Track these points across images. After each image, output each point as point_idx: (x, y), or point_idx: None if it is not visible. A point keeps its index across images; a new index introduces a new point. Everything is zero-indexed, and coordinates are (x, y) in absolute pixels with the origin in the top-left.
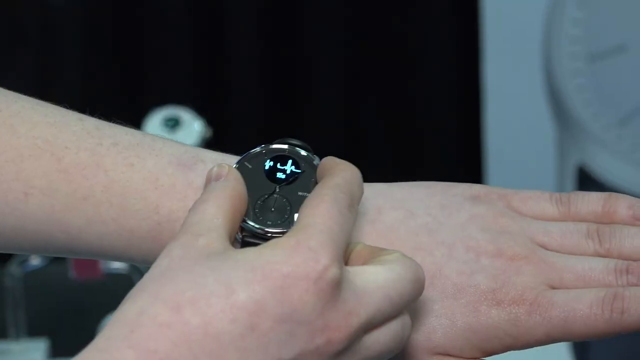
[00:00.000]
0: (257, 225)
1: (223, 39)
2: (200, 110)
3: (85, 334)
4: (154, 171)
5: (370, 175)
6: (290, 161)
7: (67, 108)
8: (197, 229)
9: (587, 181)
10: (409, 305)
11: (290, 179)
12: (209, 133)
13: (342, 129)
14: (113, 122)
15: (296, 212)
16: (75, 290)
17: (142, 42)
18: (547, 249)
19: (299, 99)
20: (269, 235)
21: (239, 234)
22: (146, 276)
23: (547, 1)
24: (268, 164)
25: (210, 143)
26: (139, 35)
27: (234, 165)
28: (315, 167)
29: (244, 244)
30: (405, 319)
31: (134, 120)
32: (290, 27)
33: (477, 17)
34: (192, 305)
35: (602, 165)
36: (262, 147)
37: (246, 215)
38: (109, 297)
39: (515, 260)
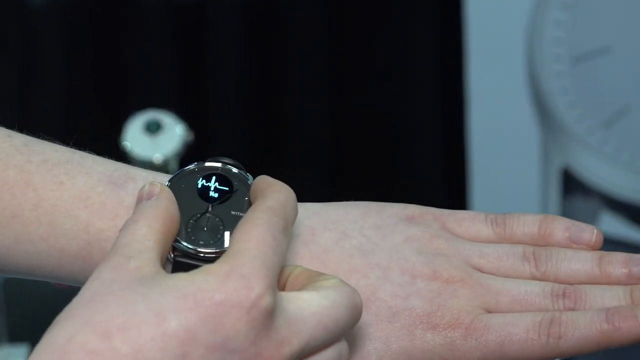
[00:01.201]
0: (189, 245)
1: (205, 42)
2: (182, 114)
3: None
4: (84, 189)
5: (349, 169)
6: (223, 180)
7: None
8: (127, 250)
9: (571, 183)
10: (346, 332)
11: (223, 198)
12: (190, 137)
13: (326, 129)
14: (42, 139)
15: (229, 232)
16: (57, 296)
17: (123, 46)
18: (482, 271)
19: (282, 102)
20: (202, 255)
21: (171, 253)
22: (75, 299)
23: (530, 3)
24: (201, 182)
25: (192, 147)
26: (120, 39)
27: (166, 184)
28: (248, 186)
29: (176, 263)
30: (342, 347)
31: (115, 124)
32: (274, 30)
33: (460, 19)
34: (122, 332)
35: (587, 167)
36: (194, 165)
37: (178, 234)
38: None
39: (450, 283)
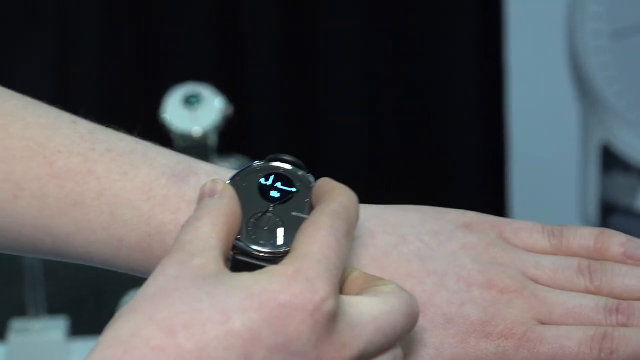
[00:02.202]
0: (248, 244)
1: (243, 15)
2: (221, 87)
3: (105, 312)
4: (147, 181)
5: (382, 157)
6: (285, 180)
7: (61, 108)
8: (191, 247)
9: (611, 159)
10: (402, 338)
11: (284, 199)
12: (229, 110)
13: (363, 104)
14: (106, 126)
15: (288, 232)
16: (95, 269)
17: (162, 19)
18: (537, 282)
19: (318, 73)
20: (261, 254)
21: (230, 251)
22: (139, 294)
23: None
24: (262, 181)
25: (231, 120)
26: (158, 12)
27: (228, 181)
28: (309, 187)
29: (235, 261)
30: (396, 352)
31: (154, 97)
32: (311, 1)
33: None
34: (187, 329)
35: (627, 143)
36: (257, 164)
37: (239, 233)
38: (129, 275)
39: (505, 293)
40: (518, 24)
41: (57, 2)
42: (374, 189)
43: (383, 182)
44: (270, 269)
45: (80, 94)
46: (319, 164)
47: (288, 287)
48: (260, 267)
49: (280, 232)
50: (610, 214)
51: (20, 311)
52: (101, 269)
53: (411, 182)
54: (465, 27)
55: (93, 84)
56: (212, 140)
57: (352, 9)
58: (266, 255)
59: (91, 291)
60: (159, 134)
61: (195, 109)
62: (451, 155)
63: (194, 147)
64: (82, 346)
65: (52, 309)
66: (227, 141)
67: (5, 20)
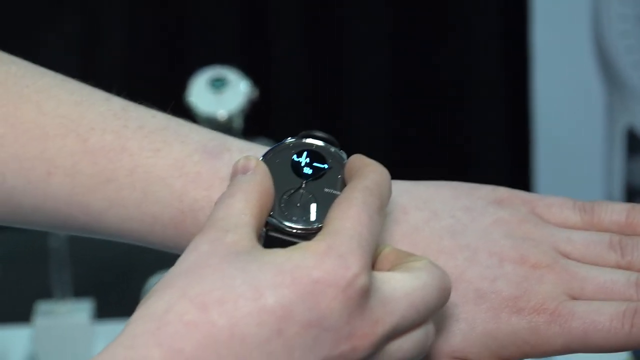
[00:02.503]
0: (282, 221)
1: None
2: (247, 70)
3: (130, 295)
4: (180, 158)
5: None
6: (317, 156)
7: (94, 86)
8: (224, 224)
9: (636, 143)
10: (434, 313)
11: (317, 175)
12: (255, 94)
13: (386, 86)
14: (139, 104)
15: (321, 208)
16: (121, 250)
17: (188, 2)
18: (569, 258)
19: (345, 57)
20: (294, 231)
21: (263, 228)
22: (172, 270)
23: None
24: (295, 158)
25: (257, 103)
26: None
27: (261, 158)
28: (342, 164)
29: (268, 238)
30: (429, 328)
31: (180, 80)
32: None
33: None
34: (220, 306)
35: None
36: (289, 141)
37: (272, 209)
38: (155, 258)
39: (537, 268)
40: (544, 8)
41: None
42: (398, 170)
43: (407, 166)
44: (303, 245)
45: (106, 78)
46: (344, 147)
47: (321, 264)
48: (293, 243)
49: (313, 208)
50: (635, 198)
51: (46, 294)
52: (127, 252)
53: (435, 165)
54: (491, 13)
55: (118, 68)
56: (238, 123)
57: None
58: (299, 231)
59: (117, 274)
60: (185, 118)
61: (221, 92)
62: (476, 141)
63: (220, 131)
64: (107, 329)
65: (78, 292)
66: (253, 125)
67: (32, 3)
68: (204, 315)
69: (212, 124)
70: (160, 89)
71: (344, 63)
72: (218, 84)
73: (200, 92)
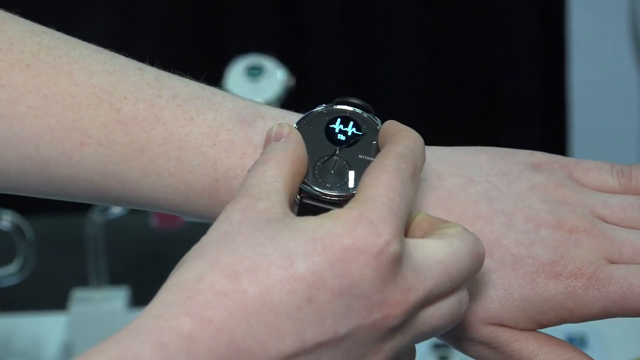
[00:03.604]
0: (316, 188)
1: None
2: (283, 58)
3: None
4: (214, 126)
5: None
6: (351, 123)
7: (127, 56)
8: (256, 191)
9: None
10: (468, 280)
11: (351, 141)
12: (291, 82)
13: (423, 77)
14: (173, 73)
15: (355, 174)
16: (156, 239)
17: None
18: (606, 221)
19: (381, 46)
20: (328, 198)
21: (297, 195)
22: (203, 239)
23: None
24: (329, 124)
25: (293, 92)
26: None
27: (294, 125)
28: (376, 130)
29: (302, 205)
30: (462, 294)
31: (217, 69)
32: None
33: None
34: (250, 274)
35: None
36: (323, 107)
37: (305, 176)
38: (190, 246)
39: (574, 233)
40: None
41: None
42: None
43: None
44: (335, 212)
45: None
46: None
47: (352, 231)
48: (327, 210)
49: (347, 175)
50: None
51: (82, 281)
52: (162, 238)
53: None
54: (528, 4)
55: (155, 56)
56: None
57: None
58: (333, 198)
59: (152, 261)
60: None
61: (258, 80)
62: (512, 133)
63: None
64: None
65: (114, 279)
66: None
67: None
68: (234, 284)
69: None
70: (198, 77)
71: (379, 51)
72: (255, 72)
73: (237, 81)
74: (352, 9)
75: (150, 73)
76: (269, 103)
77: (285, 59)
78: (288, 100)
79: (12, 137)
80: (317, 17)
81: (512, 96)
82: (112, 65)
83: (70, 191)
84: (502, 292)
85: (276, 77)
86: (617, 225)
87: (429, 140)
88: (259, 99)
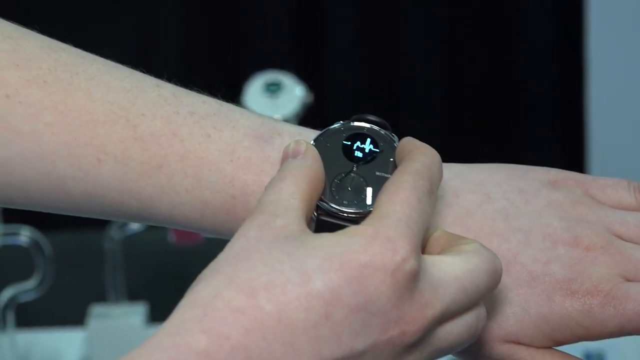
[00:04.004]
0: (333, 205)
1: (323, 3)
2: (302, 75)
3: None
4: (231, 143)
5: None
6: (368, 140)
7: (144, 73)
8: (274, 208)
9: None
10: (485, 297)
11: (368, 158)
12: (310, 98)
13: (441, 94)
14: (190, 89)
15: (373, 192)
16: (175, 254)
17: (243, 7)
18: (623, 239)
19: (399, 64)
20: (345, 215)
21: (314, 212)
22: (220, 256)
23: None
24: (346, 141)
25: (311, 108)
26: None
27: (312, 142)
28: (394, 147)
29: (319, 222)
30: (480, 311)
31: (235, 85)
32: None
33: None
34: (267, 291)
35: None
36: (340, 124)
37: (323, 193)
38: (208, 262)
39: (591, 250)
40: (599, 14)
41: None
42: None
43: None
44: (352, 229)
45: (160, 78)
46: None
47: (369, 248)
48: (344, 227)
49: (364, 192)
50: None
51: (100, 297)
52: (181, 254)
53: None
54: (546, 17)
55: (174, 72)
56: None
57: None
58: (350, 215)
59: (170, 277)
60: None
61: (276, 96)
62: (531, 149)
63: None
64: None
65: (132, 295)
66: None
67: (88, 8)
68: (251, 301)
69: None
70: (216, 94)
71: (397, 68)
72: (273, 89)
73: (255, 97)
74: (369, 25)
75: (168, 90)
76: (287, 119)
77: (303, 75)
78: (306, 116)
79: (30, 154)
80: (335, 33)
81: (530, 113)
82: (129, 81)
83: (88, 207)
84: (518, 310)
85: (294, 93)
86: (634, 242)
87: (446, 156)
88: (277, 115)
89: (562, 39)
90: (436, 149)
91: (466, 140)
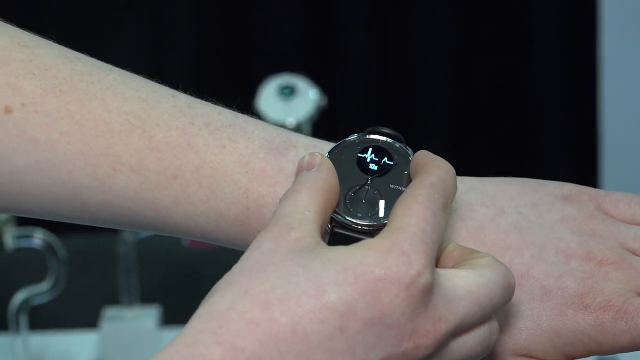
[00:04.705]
0: (347, 217)
1: (337, 6)
2: (315, 78)
3: (197, 302)
4: (246, 154)
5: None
6: (383, 152)
7: (160, 83)
8: (288, 220)
9: None
10: (498, 310)
11: (383, 171)
12: (324, 101)
13: (453, 98)
14: (205, 100)
15: (387, 204)
16: (188, 258)
17: (257, 10)
18: (636, 254)
19: (412, 68)
20: (359, 227)
21: (329, 224)
22: (235, 268)
23: None
24: (361, 154)
25: (325, 111)
26: (253, 2)
27: (326, 154)
28: (408, 160)
29: (333, 234)
30: (493, 325)
31: (249, 88)
32: None
33: None
34: (282, 303)
35: None
36: (355, 137)
37: (337, 206)
38: (222, 265)
39: (604, 265)
40: (611, 17)
41: None
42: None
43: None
44: (367, 242)
45: (173, 86)
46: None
47: (384, 261)
48: (358, 240)
49: (379, 204)
50: None
51: (114, 299)
52: (194, 258)
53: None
54: (557, 22)
55: (187, 75)
56: (306, 131)
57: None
58: (364, 228)
59: (183, 280)
60: None
61: (290, 100)
62: (542, 154)
63: None
64: (174, 335)
65: (145, 298)
66: (321, 132)
67: (102, 15)
68: (266, 313)
69: None
70: (230, 97)
71: (410, 72)
72: (287, 92)
73: (269, 100)
74: (383, 28)
75: (183, 100)
76: (301, 122)
77: (317, 78)
78: (320, 120)
79: (45, 163)
80: (348, 36)
81: (542, 118)
82: (145, 92)
83: (103, 217)
84: (530, 324)
85: (308, 96)
86: None
87: (457, 159)
88: (291, 119)
89: (574, 47)
90: (447, 152)
91: (477, 142)
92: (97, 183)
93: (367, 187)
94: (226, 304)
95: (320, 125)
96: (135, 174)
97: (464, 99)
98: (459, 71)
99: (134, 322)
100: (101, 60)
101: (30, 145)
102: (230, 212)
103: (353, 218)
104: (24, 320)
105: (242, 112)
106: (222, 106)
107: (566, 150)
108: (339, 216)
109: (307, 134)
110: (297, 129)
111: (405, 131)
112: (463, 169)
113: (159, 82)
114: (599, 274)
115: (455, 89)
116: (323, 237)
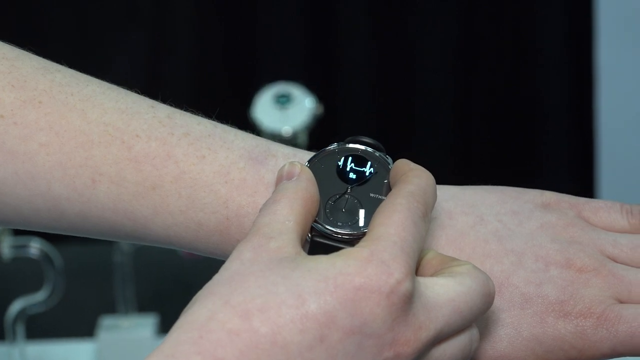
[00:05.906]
0: (327, 226)
1: (335, 14)
2: (312, 86)
3: None
4: (225, 164)
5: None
6: (363, 161)
7: (159, 89)
8: (268, 230)
9: None
10: (478, 318)
11: (363, 180)
12: (320, 110)
13: (453, 108)
14: (185, 110)
15: (367, 213)
16: (184, 267)
17: (254, 18)
18: (616, 261)
19: (410, 76)
20: (339, 236)
21: (309, 233)
22: (215, 278)
23: None
24: (340, 163)
25: (322, 120)
26: (250, 11)
27: (306, 164)
28: (388, 169)
29: (313, 243)
30: (473, 332)
31: (245, 96)
32: (402, 3)
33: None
34: (262, 313)
35: None
36: (335, 146)
37: (317, 215)
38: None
39: (584, 272)
40: (609, 25)
41: (152, 3)
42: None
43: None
44: (346, 251)
45: (171, 94)
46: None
47: (363, 270)
48: (338, 249)
49: (361, 213)
50: None
51: (110, 308)
52: (190, 266)
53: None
54: (557, 30)
55: (184, 83)
56: (302, 139)
57: (442, 8)
58: (344, 237)
59: (180, 289)
60: (250, 133)
61: (286, 108)
62: (540, 159)
63: None
64: None
65: (142, 307)
66: (317, 141)
67: (102, 20)
68: (246, 323)
69: (277, 140)
70: (226, 105)
71: (408, 80)
72: (283, 100)
73: (265, 108)
74: (381, 36)
75: (163, 111)
76: (297, 131)
77: (313, 86)
78: (316, 128)
79: (24, 174)
80: (345, 44)
81: (545, 125)
82: (124, 102)
83: (83, 228)
84: (511, 331)
85: (304, 105)
86: (627, 264)
87: (457, 174)
88: (287, 127)
89: (574, 52)
90: (447, 160)
91: (477, 152)
92: (76, 194)
93: (347, 196)
94: (207, 314)
95: (317, 134)
96: (114, 184)
97: (464, 110)
98: (459, 83)
99: (131, 332)
100: (101, 67)
101: (9, 156)
102: (210, 222)
103: (333, 227)
104: (20, 329)
105: (236, 121)
106: (201, 116)
107: (565, 156)
108: (319, 225)
109: (303, 143)
110: (294, 137)
111: (405, 139)
112: (465, 176)
113: (158, 89)
114: (579, 281)
115: (456, 99)
116: (303, 247)
